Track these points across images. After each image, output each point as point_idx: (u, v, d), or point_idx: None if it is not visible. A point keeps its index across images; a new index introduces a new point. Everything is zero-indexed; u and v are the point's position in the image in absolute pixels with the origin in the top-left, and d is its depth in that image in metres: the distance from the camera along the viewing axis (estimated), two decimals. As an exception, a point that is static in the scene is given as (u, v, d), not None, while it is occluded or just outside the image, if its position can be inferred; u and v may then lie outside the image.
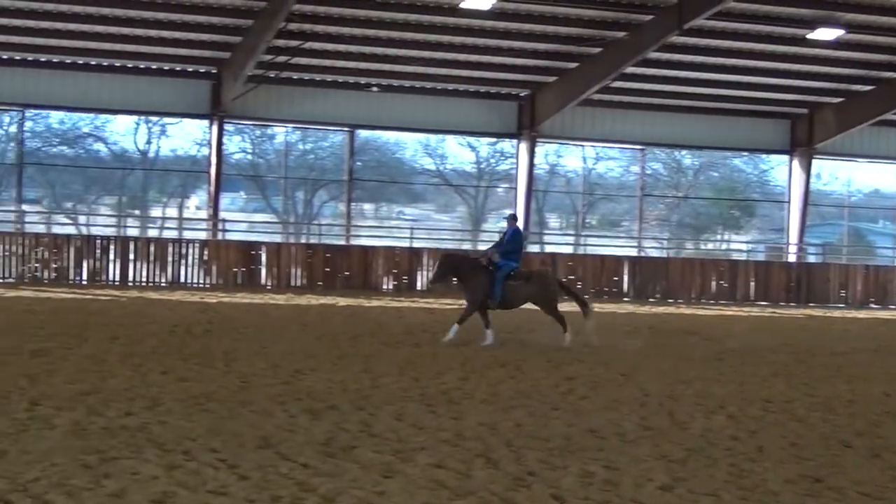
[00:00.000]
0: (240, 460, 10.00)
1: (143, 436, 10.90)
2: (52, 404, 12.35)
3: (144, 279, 32.65)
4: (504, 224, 22.67)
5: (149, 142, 45.08)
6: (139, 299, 28.08)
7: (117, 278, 32.47)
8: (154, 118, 42.21)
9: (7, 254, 31.91)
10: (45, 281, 31.64)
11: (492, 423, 12.38)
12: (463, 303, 21.77)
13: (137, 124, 43.83)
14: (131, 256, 32.78)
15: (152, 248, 33.33)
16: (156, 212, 47.47)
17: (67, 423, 11.35)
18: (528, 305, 21.12)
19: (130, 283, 32.28)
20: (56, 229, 38.28)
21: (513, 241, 21.14)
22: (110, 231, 37.61)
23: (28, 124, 38.36)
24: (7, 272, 31.80)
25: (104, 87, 34.64)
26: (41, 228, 37.15)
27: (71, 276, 32.17)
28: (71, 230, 39.97)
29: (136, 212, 45.62)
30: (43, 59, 33.86)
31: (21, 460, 9.72)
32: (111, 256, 32.75)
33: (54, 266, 32.09)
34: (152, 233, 42.86)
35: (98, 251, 32.67)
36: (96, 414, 11.91)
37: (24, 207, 37.60)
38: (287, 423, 11.90)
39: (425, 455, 10.56)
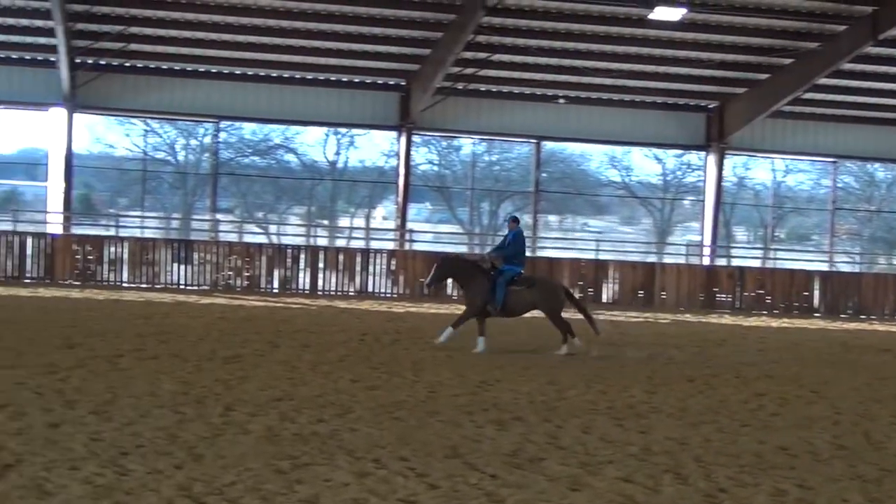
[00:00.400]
0: (429, 469, 10.07)
1: (334, 443, 11.07)
2: (246, 410, 12.63)
3: (333, 288, 33.13)
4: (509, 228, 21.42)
5: (338, 153, 45.82)
6: (328, 308, 28.52)
7: (307, 287, 33.03)
8: (343, 129, 42.86)
9: (202, 262, 32.78)
10: (238, 289, 32.37)
11: (680, 438, 12.24)
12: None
13: (327, 136, 44.60)
14: (320, 265, 33.29)
15: (341, 258, 33.79)
16: (344, 222, 48.15)
17: (261, 429, 11.59)
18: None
19: (320, 292, 32.80)
20: (248, 238, 39.12)
21: (515, 244, 20.50)
22: (300, 240, 38.31)
23: (222, 135, 39.28)
24: (202, 280, 32.65)
25: (296, 100, 35.35)
26: (234, 237, 38.02)
27: (262, 285, 32.84)
28: (262, 239, 40.86)
29: (325, 222, 46.31)
30: (238, 73, 34.74)
31: (217, 464, 9.95)
32: (301, 265, 33.34)
33: (246, 274, 32.81)
34: (340, 242, 43.47)
35: (289, 260, 33.30)
36: (289, 420, 12.13)
37: (218, 216, 38.57)
38: (474, 433, 11.94)
39: (613, 469, 10.49)
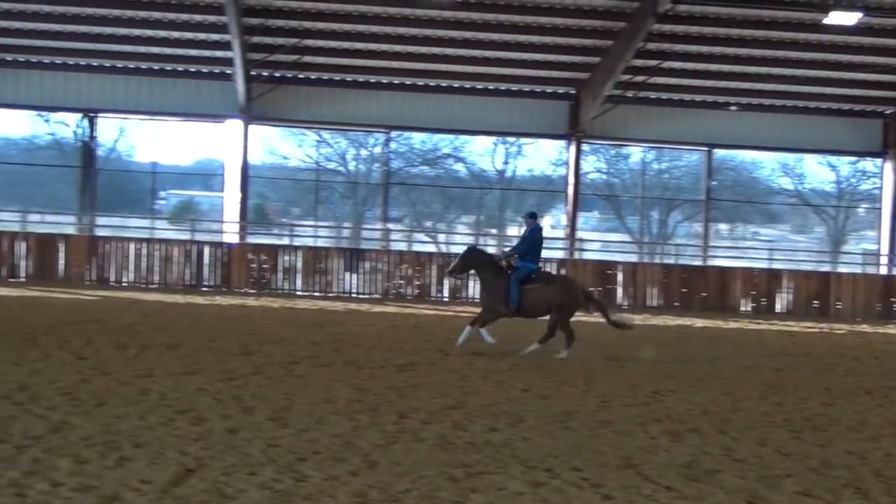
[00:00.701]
0: (603, 480, 10.02)
1: (508, 452, 11.08)
2: (419, 417, 12.73)
3: (503, 297, 33.11)
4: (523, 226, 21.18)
5: (506, 162, 45.86)
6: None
7: (476, 296, 33.08)
8: (511, 138, 42.92)
9: (373, 270, 33.15)
10: (409, 297, 32.65)
11: (860, 451, 11.97)
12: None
13: (495, 145, 44.65)
14: (490, 274, 33.31)
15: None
16: (512, 230, 48.15)
17: (434, 437, 11.67)
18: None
19: (489, 301, 32.82)
20: (416, 247, 39.42)
21: (530, 240, 19.91)
22: (468, 249, 38.51)
23: (392, 145, 39.68)
24: (373, 288, 33.01)
25: (465, 109, 35.57)
26: (403, 246, 38.35)
27: (432, 293, 33.06)
28: (431, 248, 41.15)
29: (493, 230, 46.40)
30: (408, 83, 35.09)
31: (392, 472, 10.06)
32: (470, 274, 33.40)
33: (417, 283, 33.07)
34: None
35: (459, 269, 33.43)
36: (461, 428, 12.19)
37: (388, 226, 38.96)
38: (648, 444, 11.85)
39: (792, 482, 10.31)
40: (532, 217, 20.32)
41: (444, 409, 13.33)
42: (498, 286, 19.65)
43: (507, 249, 21.50)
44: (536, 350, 19.31)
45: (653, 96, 35.56)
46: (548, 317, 19.80)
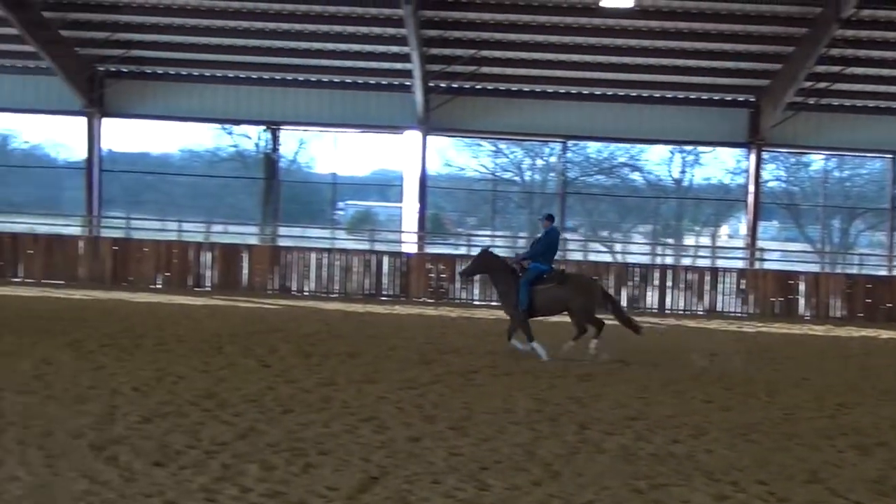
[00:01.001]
0: (789, 494, 9.88)
1: (691, 464, 11.00)
2: (599, 428, 12.71)
3: (681, 307, 32.84)
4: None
5: (683, 171, 45.42)
6: (676, 327, 28.32)
7: (655, 306, 32.89)
8: (688, 147, 42.47)
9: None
10: (585, 307, 32.47)
11: None
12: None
13: (672, 154, 44.25)
14: (668, 284, 33.10)
15: (688, 277, 33.49)
16: (689, 240, 47.67)
17: (616, 448, 11.64)
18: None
19: (667, 311, 32.58)
20: (592, 257, 39.29)
21: (545, 242, 19.79)
22: (645, 259, 38.21)
23: (568, 154, 39.62)
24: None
25: (642, 118, 35.30)
26: (579, 256, 38.24)
27: (607, 303, 32.83)
28: (606, 258, 40.97)
29: (670, 240, 45.99)
30: (585, 92, 34.98)
31: (574, 482, 10.06)
32: (652, 283, 33.22)
33: (594, 292, 32.90)
34: (685, 261, 43.05)
35: (636, 279, 33.27)
36: (644, 440, 12.13)
37: (566, 235, 38.92)
38: (835, 458, 11.63)
39: None
40: (549, 219, 20.29)
41: (625, 420, 13.27)
42: (510, 290, 19.69)
43: (522, 252, 21.62)
44: (595, 349, 19.24)
45: (835, 103, 34.75)
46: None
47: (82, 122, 35.33)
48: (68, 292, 29.74)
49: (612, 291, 31.88)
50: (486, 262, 20.44)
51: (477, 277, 27.82)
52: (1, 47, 33.83)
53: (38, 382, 14.37)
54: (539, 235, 20.53)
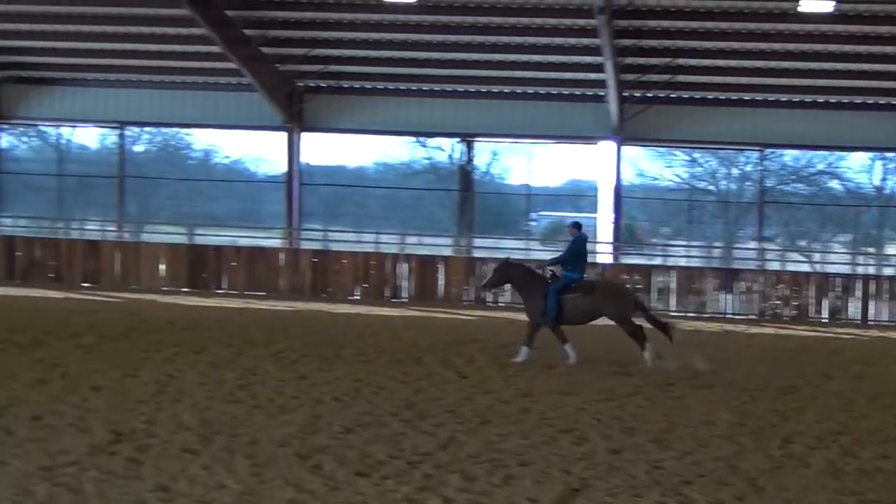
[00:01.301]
0: None
1: (903, 480, 10.74)
2: (804, 442, 12.49)
3: (886, 319, 31.91)
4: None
5: (884, 178, 44.21)
6: (880, 339, 27.57)
7: (857, 317, 32.05)
8: (889, 154, 41.32)
9: (748, 291, 32.63)
10: (785, 318, 31.89)
11: None
12: None
13: (872, 160, 43.14)
14: (871, 294, 32.24)
15: (892, 288, 32.56)
16: (891, 249, 46.38)
17: (822, 463, 11.42)
18: None
19: (870, 322, 31.69)
20: (790, 266, 38.52)
21: (573, 250, 19.69)
22: (845, 269, 37.29)
23: (765, 163, 38.99)
24: (748, 309, 32.46)
25: (842, 124, 34.46)
26: (776, 266, 37.54)
27: (811, 314, 32.16)
28: (805, 268, 40.10)
29: (871, 249, 44.83)
30: (783, 99, 34.36)
31: (780, 497, 9.92)
32: (856, 294, 32.40)
33: (794, 303, 32.29)
34: (888, 271, 41.89)
35: (838, 289, 32.49)
36: (850, 455, 11.88)
37: (763, 245, 38.25)
38: None
39: None
40: (576, 227, 20.30)
41: (830, 434, 13.02)
42: (536, 297, 19.42)
43: (550, 258, 21.33)
44: (650, 357, 18.91)
45: None
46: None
47: (282, 136, 36.15)
48: (270, 303, 30.44)
49: (812, 302, 31.39)
50: (505, 273, 20.36)
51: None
52: (205, 65, 34.89)
53: (243, 392, 14.77)
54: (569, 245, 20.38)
